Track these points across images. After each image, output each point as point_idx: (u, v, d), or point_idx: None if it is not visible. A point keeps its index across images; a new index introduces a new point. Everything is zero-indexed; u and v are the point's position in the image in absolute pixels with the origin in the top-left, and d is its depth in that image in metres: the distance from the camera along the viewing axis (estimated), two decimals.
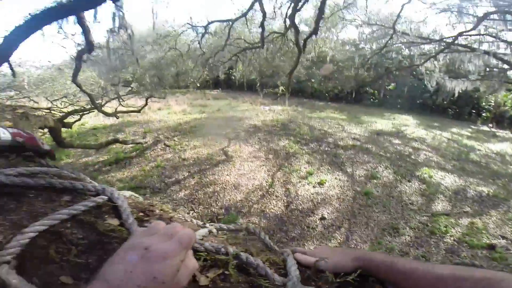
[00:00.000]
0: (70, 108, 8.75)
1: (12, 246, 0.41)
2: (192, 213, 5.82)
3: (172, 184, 6.87)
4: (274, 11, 8.94)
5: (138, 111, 10.46)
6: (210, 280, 0.42)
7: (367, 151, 8.88)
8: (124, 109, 10.18)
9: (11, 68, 4.46)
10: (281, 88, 10.81)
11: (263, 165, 7.60)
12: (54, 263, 0.43)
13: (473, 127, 14.31)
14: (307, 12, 13.05)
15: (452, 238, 5.31)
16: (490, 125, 14.45)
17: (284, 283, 0.45)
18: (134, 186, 6.70)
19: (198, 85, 13.18)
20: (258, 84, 12.90)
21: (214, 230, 0.69)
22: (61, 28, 6.16)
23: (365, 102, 19.05)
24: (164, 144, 9.07)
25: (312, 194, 6.45)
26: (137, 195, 0.87)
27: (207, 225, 0.72)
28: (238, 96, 18.47)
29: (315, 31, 6.78)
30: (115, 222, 0.52)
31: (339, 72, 18.51)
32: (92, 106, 7.63)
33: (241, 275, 0.46)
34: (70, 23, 3.94)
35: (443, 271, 0.47)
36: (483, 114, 15.43)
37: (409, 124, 13.37)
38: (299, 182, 6.90)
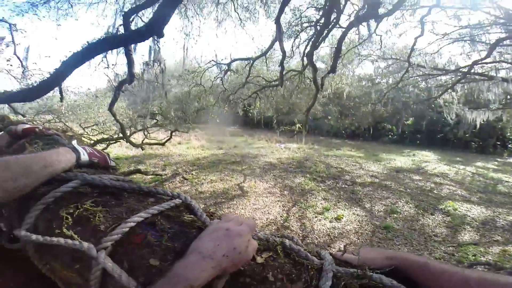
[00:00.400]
0: (99, 136, 9.31)
1: (115, 233, 0.53)
2: None
3: None
4: (292, 50, 9.41)
5: (163, 144, 11.01)
6: (264, 259, 0.54)
7: (386, 187, 8.69)
8: (149, 141, 10.81)
9: (61, 92, 4.83)
10: (297, 125, 11.04)
11: (278, 201, 7.61)
12: (147, 247, 0.52)
13: (499, 160, 13.61)
14: (324, 50, 13.70)
15: (482, 267, 4.88)
16: None
17: (322, 264, 0.57)
18: None
19: (218, 120, 13.82)
20: (275, 121, 13.24)
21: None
22: (105, 58, 6.71)
23: (383, 139, 18.80)
24: (183, 177, 9.40)
25: (328, 228, 6.30)
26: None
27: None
28: (254, 133, 18.98)
29: (333, 69, 6.91)
30: (192, 217, 0.65)
31: (356, 108, 18.63)
32: (121, 135, 8.00)
33: (287, 258, 0.57)
34: (113, 54, 4.26)
35: (471, 274, 0.50)
36: (510, 146, 14.76)
37: (430, 160, 13.01)
38: (315, 217, 6.79)
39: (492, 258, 5.15)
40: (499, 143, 15.28)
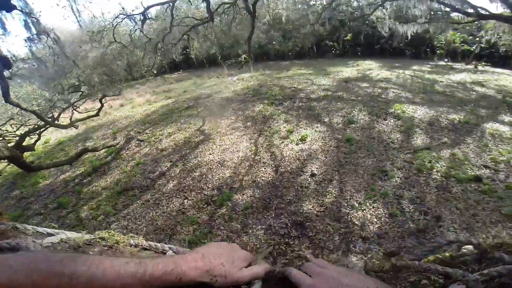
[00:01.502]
0: (24, 130, 8.00)
1: None
2: (187, 201, 5.69)
3: (157, 178, 6.59)
4: None
5: (97, 115, 9.75)
6: None
7: (339, 98, 8.99)
8: (82, 116, 9.44)
9: None
10: (243, 56, 10.47)
11: (244, 135, 7.45)
12: None
13: (431, 63, 14.97)
14: None
15: (439, 174, 5.41)
16: (446, 59, 15.43)
17: None
18: (121, 190, 6.37)
19: (155, 71, 12.38)
20: (220, 57, 12.41)
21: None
22: None
23: (327, 55, 19.32)
24: (137, 139, 8.59)
25: (297, 152, 6.47)
26: (74, 234, 0.71)
27: (167, 249, 0.71)
28: (201, 74, 17.69)
29: None
30: None
31: (297, 30, 18.34)
32: (44, 122, 6.97)
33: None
34: None
35: None
36: (437, 52, 16.39)
37: (372, 68, 13.66)
38: (282, 142, 6.87)
39: (445, 163, 5.66)
40: (429, 49, 16.94)
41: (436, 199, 4.90)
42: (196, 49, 13.71)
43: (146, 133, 8.85)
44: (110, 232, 0.72)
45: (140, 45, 10.52)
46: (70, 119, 8.98)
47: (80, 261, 0.41)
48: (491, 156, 5.73)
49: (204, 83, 15.04)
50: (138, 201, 5.97)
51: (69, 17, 19.00)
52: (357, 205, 5.04)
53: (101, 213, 5.83)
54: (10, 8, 3.07)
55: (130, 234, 0.75)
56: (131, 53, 10.84)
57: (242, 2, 7.57)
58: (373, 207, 4.95)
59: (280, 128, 7.49)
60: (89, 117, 9.37)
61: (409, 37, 12.72)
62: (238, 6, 9.14)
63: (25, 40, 6.70)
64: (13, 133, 8.55)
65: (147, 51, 10.41)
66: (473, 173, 5.31)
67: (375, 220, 4.71)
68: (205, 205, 5.52)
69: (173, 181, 6.35)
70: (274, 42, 19.28)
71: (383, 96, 9.02)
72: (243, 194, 5.61)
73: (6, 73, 4.79)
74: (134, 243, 0.71)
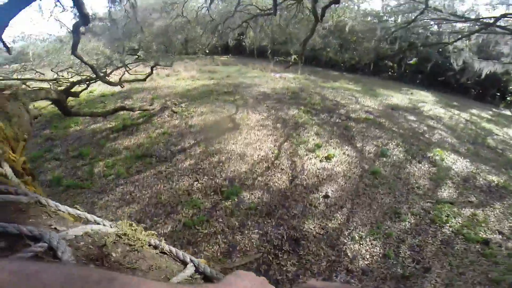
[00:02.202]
0: (77, 78, 8.53)
1: None
2: (197, 184, 5.80)
3: (178, 152, 6.80)
4: None
5: (144, 80, 10.22)
6: None
7: (380, 125, 8.47)
8: (131, 77, 9.96)
9: (4, 45, 4.33)
10: (293, 56, 10.24)
11: (270, 135, 7.37)
12: None
13: (494, 110, 13.39)
14: None
15: (450, 229, 5.18)
16: None
17: None
18: (140, 155, 6.68)
19: (207, 51, 12.65)
20: (270, 51, 12.27)
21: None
22: (58, 1, 5.93)
23: (383, 75, 18.01)
24: (172, 110, 8.90)
25: (318, 169, 6.26)
26: (97, 226, 0.68)
27: (189, 261, 0.68)
28: (248, 63, 17.76)
29: (336, 0, 6.13)
30: None
31: (358, 43, 17.39)
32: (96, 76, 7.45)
33: None
34: None
35: None
36: (508, 98, 14.33)
37: (427, 100, 12.61)
38: (306, 155, 6.68)
39: (461, 220, 5.35)
40: (498, 94, 14.82)
41: (435, 251, 4.77)
42: (250, 38, 13.75)
43: (181, 107, 9.14)
44: (132, 226, 0.71)
45: (202, 23, 10.79)
46: (120, 78, 9.54)
47: (118, 285, 0.37)
48: (511, 224, 5.30)
49: (248, 72, 15.07)
50: (151, 170, 6.22)
51: None
52: (357, 237, 4.93)
53: (114, 173, 6.15)
54: None
55: (151, 232, 0.73)
56: (192, 29, 11.18)
57: (310, 3, 7.35)
58: (372, 244, 4.84)
59: (309, 139, 7.29)
60: (137, 80, 9.86)
61: (483, 76, 11.46)
62: (303, 5, 8.92)
63: (108, 0, 7.12)
64: (67, 79, 9.37)
65: (207, 30, 10.70)
66: (483, 236, 5.03)
67: (368, 256, 4.63)
68: (212, 193, 5.61)
69: (191, 159, 6.51)
70: (328, 49, 18.52)
71: (426, 136, 8.34)
72: (252, 194, 5.60)
73: (82, 28, 5.03)
74: (153, 244, 0.70)
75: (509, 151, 8.44)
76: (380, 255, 4.65)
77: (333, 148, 7.00)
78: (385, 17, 15.43)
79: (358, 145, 7.34)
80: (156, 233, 0.75)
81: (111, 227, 0.70)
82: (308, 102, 9.81)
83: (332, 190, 5.78)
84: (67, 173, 6.25)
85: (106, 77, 8.82)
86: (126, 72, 9.86)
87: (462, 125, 9.89)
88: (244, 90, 10.92)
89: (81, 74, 8.90)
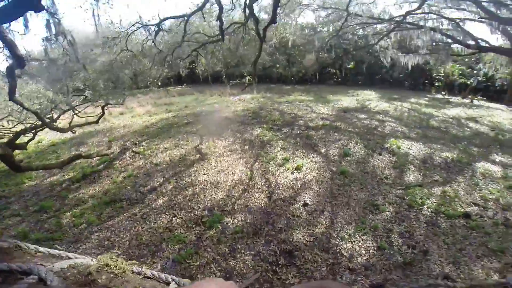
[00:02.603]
0: (20, 127, 7.93)
1: None
2: (176, 219, 5.61)
3: (148, 192, 6.53)
4: (233, 2, 8.83)
5: (96, 122, 9.76)
6: None
7: (337, 129, 9.13)
8: (81, 120, 9.43)
9: None
10: (247, 77, 10.70)
11: (240, 158, 7.49)
12: None
13: (428, 96, 15.28)
14: (266, 0, 12.99)
15: (429, 210, 5.53)
16: (443, 92, 15.62)
17: None
18: (108, 201, 6.29)
19: (160, 83, 12.56)
20: (224, 76, 12.64)
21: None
22: None
23: (329, 82, 19.77)
24: (133, 151, 8.56)
25: (291, 181, 6.49)
26: (80, 260, 0.73)
27: (171, 280, 0.72)
28: (204, 90, 17.95)
29: (273, 20, 6.82)
30: None
31: (301, 55, 18.83)
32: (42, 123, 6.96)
33: None
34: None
35: None
36: (436, 84, 16.60)
37: (372, 98, 13.97)
38: (277, 170, 6.90)
39: (435, 200, 5.83)
40: (427, 82, 17.17)
41: (425, 234, 5.01)
42: (203, 65, 13.99)
43: (142, 146, 8.84)
44: (112, 258, 0.74)
45: (149, 55, 10.71)
46: (70, 123, 8.97)
47: None
48: (480, 194, 5.88)
49: (205, 100, 15.24)
50: (124, 214, 5.89)
51: (88, 19, 19.40)
52: (346, 236, 5.09)
53: (84, 221, 5.74)
54: (39, 9, 3.04)
55: (133, 261, 0.76)
56: (140, 62, 11.00)
57: (253, 24, 7.82)
58: (362, 240, 5.01)
59: (276, 155, 7.56)
60: (88, 123, 9.38)
61: (410, 68, 13.26)
62: (248, 27, 9.44)
63: (42, 39, 6.79)
64: (8, 129, 8.48)
65: (156, 62, 10.64)
66: (462, 210, 5.45)
67: (364, 252, 4.77)
68: (194, 225, 5.46)
69: (163, 197, 6.29)
70: (278, 66, 19.71)
71: (379, 129, 9.19)
72: (234, 218, 5.57)
73: (17, 71, 4.78)
74: (137, 271, 0.73)
75: (451, 127, 9.59)
76: (375, 248, 4.80)
77: (300, 158, 7.35)
78: (319, 28, 17.04)
79: (322, 150, 7.79)
80: (137, 262, 0.81)
81: (93, 260, 0.74)
82: (269, 119, 10.21)
83: (309, 198, 6.00)
84: (32, 227, 5.72)
85: (54, 123, 8.34)
86: (75, 115, 9.34)
87: (406, 114, 11.08)
88: (205, 118, 10.99)
89: (24, 122, 8.21)
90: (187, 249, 4.89)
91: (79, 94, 9.48)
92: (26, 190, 7.10)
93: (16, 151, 8.19)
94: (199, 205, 5.93)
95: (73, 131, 8.98)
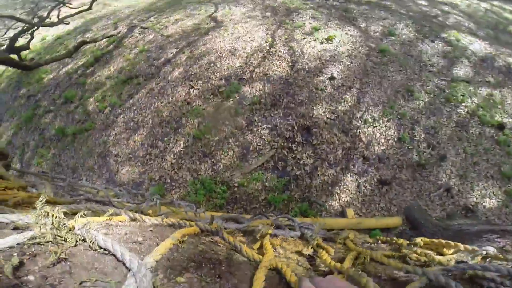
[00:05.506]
0: (11, 33, 8.35)
1: None
2: (193, 91, 5.82)
3: (162, 65, 6.79)
4: None
5: (89, 8, 9.57)
6: None
7: (385, 7, 8.32)
8: (73, 11, 9.41)
9: None
10: None
11: (260, 24, 7.27)
12: None
13: None
14: None
15: (466, 110, 5.44)
16: None
17: None
18: (124, 79, 6.70)
19: None
20: None
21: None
22: None
23: None
24: (141, 27, 8.52)
25: (319, 51, 6.30)
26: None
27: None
28: None
29: None
30: None
31: None
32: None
33: None
34: None
35: None
36: None
37: None
38: (304, 38, 6.67)
39: (477, 101, 5.58)
40: None
41: (449, 135, 5.09)
42: None
43: (151, 21, 8.75)
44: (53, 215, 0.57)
45: None
46: (58, 16, 9.20)
47: None
48: None
49: None
50: (143, 90, 6.34)
51: None
52: (370, 120, 5.21)
53: (108, 104, 6.34)
54: None
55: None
56: None
57: None
58: (385, 126, 5.14)
59: (304, 23, 7.19)
60: (80, 11, 9.37)
61: None
62: None
63: None
64: (2, 37, 9.00)
65: None
66: (499, 119, 5.33)
67: (383, 141, 4.96)
68: (212, 96, 5.74)
69: (179, 68, 6.52)
70: None
71: (440, 19, 8.30)
72: (252, 87, 5.73)
73: None
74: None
75: None
76: (395, 139, 4.96)
77: (333, 29, 6.96)
78: None
79: (361, 25, 7.31)
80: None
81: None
82: None
83: (337, 71, 5.91)
84: (65, 121, 6.49)
85: (48, 19, 8.76)
86: (62, 6, 9.39)
87: (481, 13, 9.70)
88: None
89: (12, 27, 8.81)
90: (206, 123, 5.31)
91: None
92: (47, 85, 7.72)
93: (25, 52, 8.88)
94: (215, 74, 6.10)
95: (66, 22, 9.30)
